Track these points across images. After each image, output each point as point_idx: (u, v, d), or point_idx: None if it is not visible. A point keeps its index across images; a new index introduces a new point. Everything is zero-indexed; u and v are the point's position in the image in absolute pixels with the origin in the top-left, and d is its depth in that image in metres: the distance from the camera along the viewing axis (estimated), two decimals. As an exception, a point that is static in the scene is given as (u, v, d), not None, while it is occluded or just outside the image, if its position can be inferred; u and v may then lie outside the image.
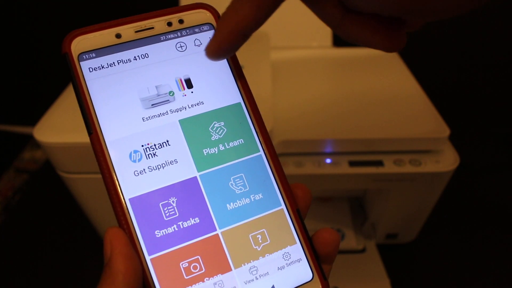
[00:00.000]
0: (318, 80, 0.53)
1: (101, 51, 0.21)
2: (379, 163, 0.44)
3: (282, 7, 0.20)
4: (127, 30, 0.21)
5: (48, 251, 0.56)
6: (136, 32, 0.21)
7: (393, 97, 0.49)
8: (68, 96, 0.46)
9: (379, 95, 0.49)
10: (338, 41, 0.62)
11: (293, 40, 0.61)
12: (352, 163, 0.44)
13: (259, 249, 0.21)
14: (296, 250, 0.21)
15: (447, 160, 0.44)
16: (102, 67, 0.21)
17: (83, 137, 0.38)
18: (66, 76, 0.20)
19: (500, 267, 0.52)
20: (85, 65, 0.20)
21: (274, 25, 0.58)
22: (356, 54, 0.58)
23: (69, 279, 0.53)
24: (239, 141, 0.22)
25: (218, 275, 0.20)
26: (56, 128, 0.40)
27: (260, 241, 0.21)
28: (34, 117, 0.44)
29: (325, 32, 0.62)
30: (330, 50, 0.61)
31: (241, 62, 0.23)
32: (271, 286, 0.20)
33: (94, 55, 0.20)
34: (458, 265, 0.53)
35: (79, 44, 0.20)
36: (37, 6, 0.72)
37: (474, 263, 0.53)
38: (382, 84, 0.52)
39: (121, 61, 0.21)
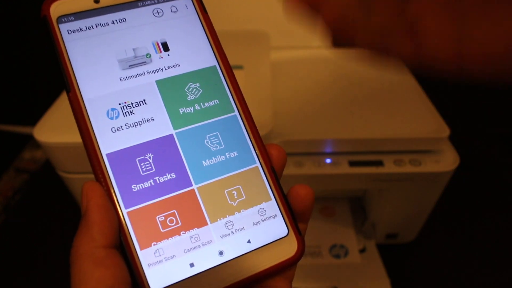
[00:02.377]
0: (318, 80, 0.53)
1: (79, 14, 0.21)
2: (379, 163, 0.44)
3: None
4: None
5: (48, 251, 0.56)
6: None
7: (393, 97, 0.49)
8: (68, 96, 0.46)
9: (379, 95, 0.49)
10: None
11: (293, 40, 0.61)
12: (352, 163, 0.44)
13: (234, 205, 0.21)
14: (271, 206, 0.21)
15: (447, 160, 0.44)
16: (81, 29, 0.21)
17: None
18: (45, 40, 0.21)
19: (500, 267, 0.52)
20: (63, 28, 0.21)
21: (274, 25, 0.58)
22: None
23: (69, 279, 0.53)
24: (214, 102, 0.22)
25: (194, 229, 0.20)
26: (56, 128, 0.40)
27: (236, 197, 0.21)
28: (34, 117, 0.44)
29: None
30: (330, 50, 0.60)
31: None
32: (247, 240, 0.21)
33: (72, 18, 0.21)
34: (458, 265, 0.53)
35: (58, 7, 0.21)
36: (37, 6, 0.72)
37: (474, 263, 0.53)
38: (382, 84, 0.52)
39: (100, 24, 0.21)
